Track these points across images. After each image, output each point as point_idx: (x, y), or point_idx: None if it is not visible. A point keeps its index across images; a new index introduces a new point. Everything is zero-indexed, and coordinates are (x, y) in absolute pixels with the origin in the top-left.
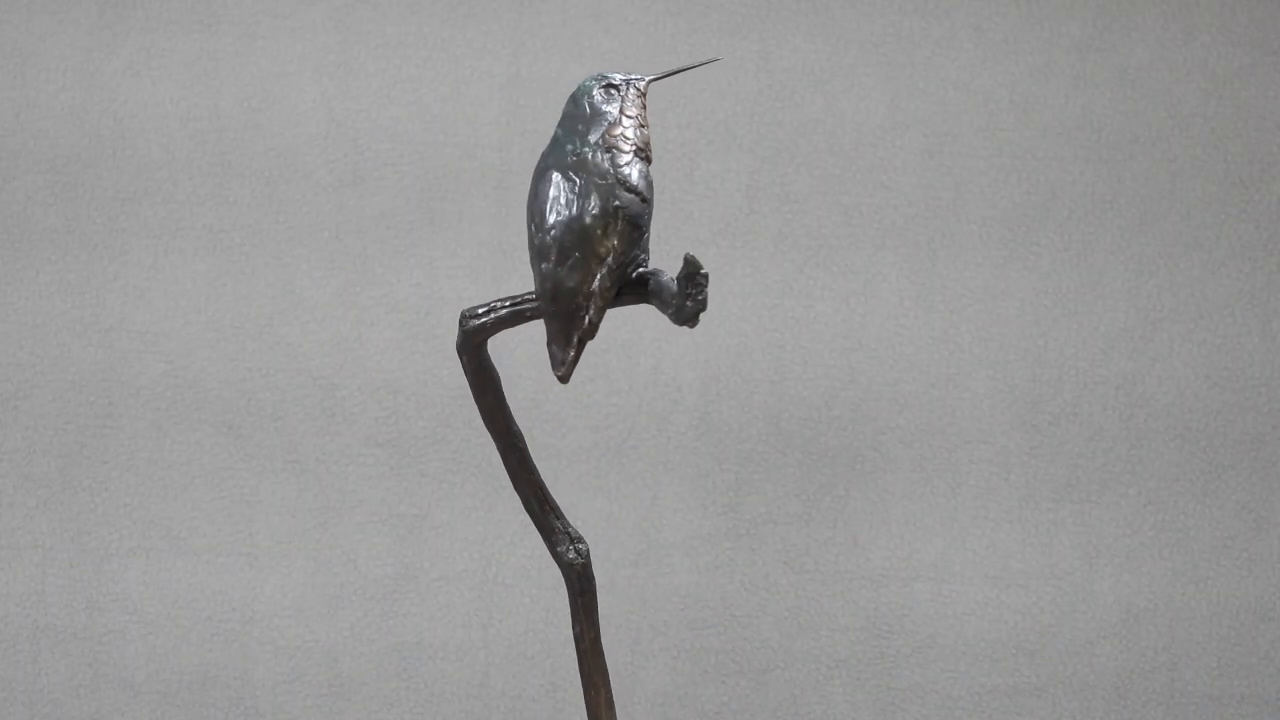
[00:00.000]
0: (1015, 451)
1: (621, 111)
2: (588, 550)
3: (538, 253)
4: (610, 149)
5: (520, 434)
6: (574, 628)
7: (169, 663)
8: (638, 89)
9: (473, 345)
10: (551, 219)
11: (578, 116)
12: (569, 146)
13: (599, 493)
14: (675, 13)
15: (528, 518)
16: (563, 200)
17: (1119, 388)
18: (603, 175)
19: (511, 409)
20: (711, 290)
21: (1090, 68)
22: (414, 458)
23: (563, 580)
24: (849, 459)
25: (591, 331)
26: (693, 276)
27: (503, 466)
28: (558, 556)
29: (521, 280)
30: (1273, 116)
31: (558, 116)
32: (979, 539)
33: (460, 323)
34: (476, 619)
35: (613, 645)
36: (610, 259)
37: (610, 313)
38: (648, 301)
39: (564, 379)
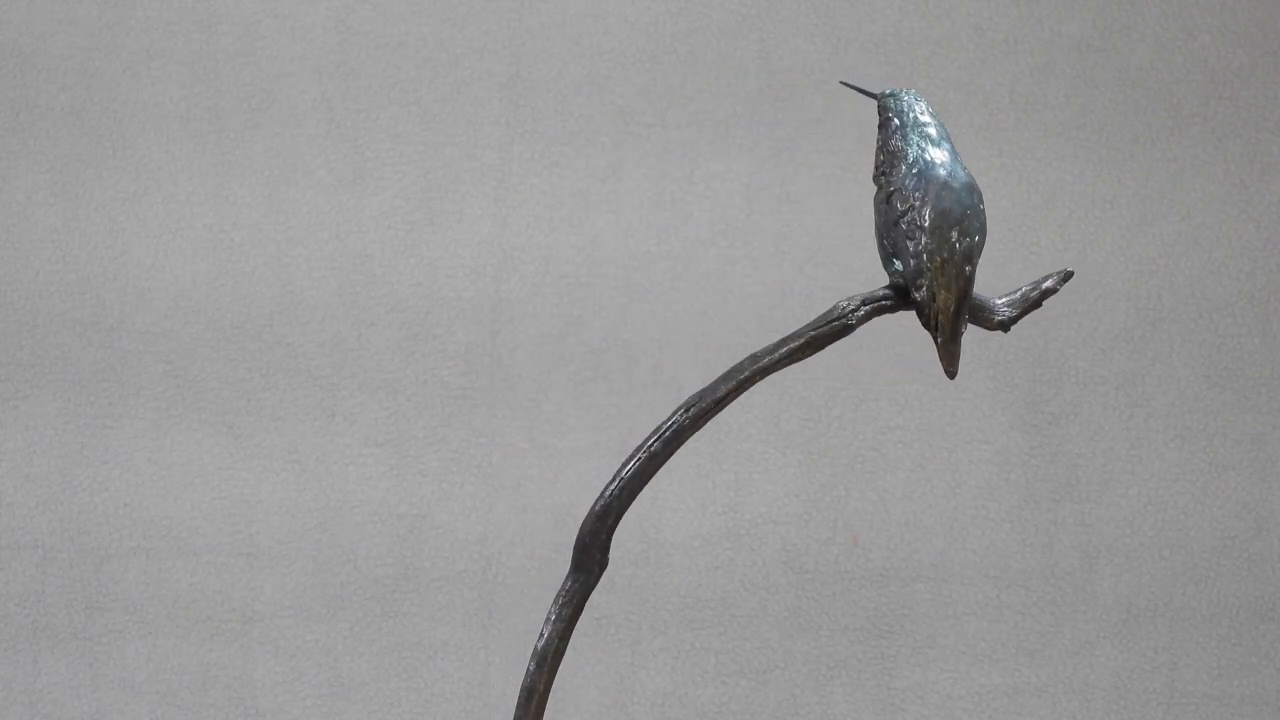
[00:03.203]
0: (1015, 451)
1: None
2: None
3: (964, 256)
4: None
5: None
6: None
7: (169, 663)
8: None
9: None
10: (977, 225)
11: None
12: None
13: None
14: (675, 13)
15: (528, 517)
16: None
17: (1119, 388)
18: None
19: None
20: (712, 290)
21: (1090, 68)
22: (414, 458)
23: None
24: (849, 459)
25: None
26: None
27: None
28: None
29: (521, 280)
30: (1273, 116)
31: (557, 116)
32: (979, 539)
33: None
34: (476, 619)
35: (613, 645)
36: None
37: (610, 313)
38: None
39: (954, 375)
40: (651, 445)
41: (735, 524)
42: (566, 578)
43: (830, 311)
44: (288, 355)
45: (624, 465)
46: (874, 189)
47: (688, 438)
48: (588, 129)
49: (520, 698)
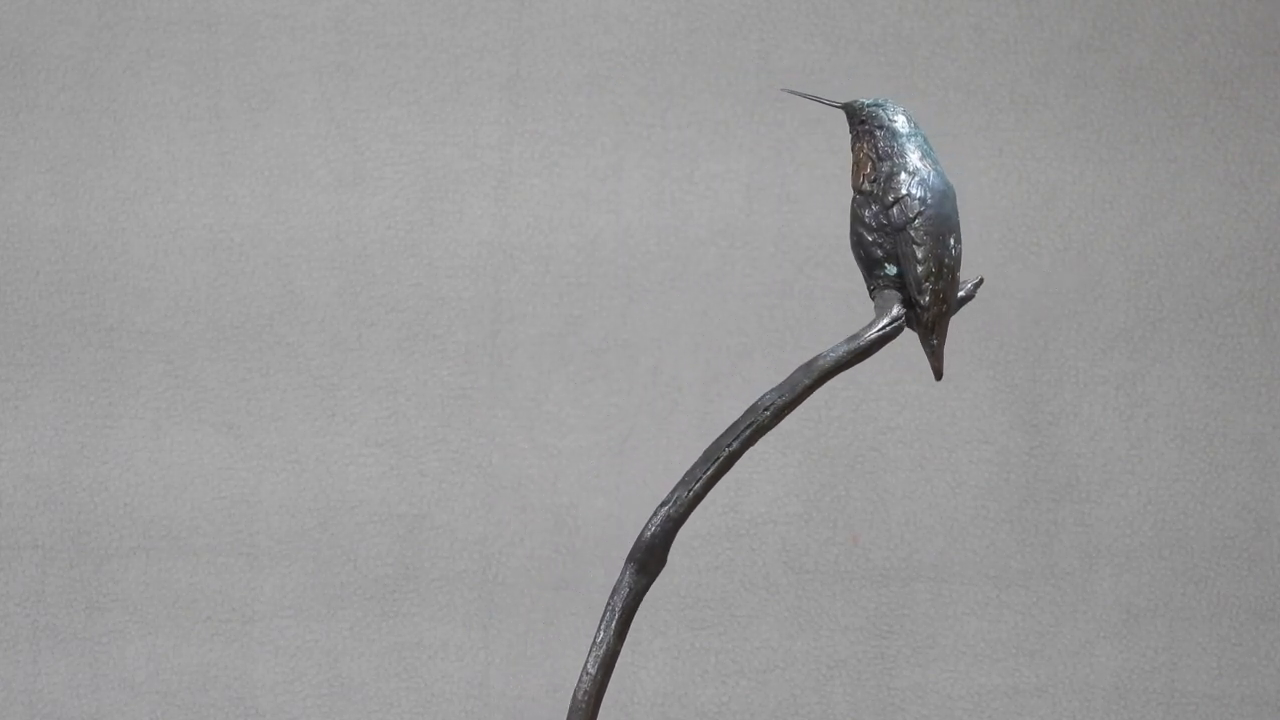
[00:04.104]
0: (1015, 451)
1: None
2: None
3: (956, 261)
4: None
5: None
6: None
7: (169, 663)
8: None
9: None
10: (960, 231)
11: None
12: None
13: (599, 493)
14: (675, 13)
15: (528, 517)
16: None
17: (1119, 388)
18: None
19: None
20: (712, 290)
21: (1090, 68)
22: (414, 458)
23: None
24: (849, 459)
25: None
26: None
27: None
28: None
29: (521, 280)
30: (1273, 116)
31: (557, 116)
32: (979, 539)
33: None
34: (476, 619)
35: None
36: None
37: (610, 313)
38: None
39: (942, 375)
40: (731, 445)
41: (735, 524)
42: (627, 579)
43: (895, 313)
44: (288, 355)
45: (702, 466)
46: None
47: (759, 436)
48: (588, 129)
49: (581, 701)
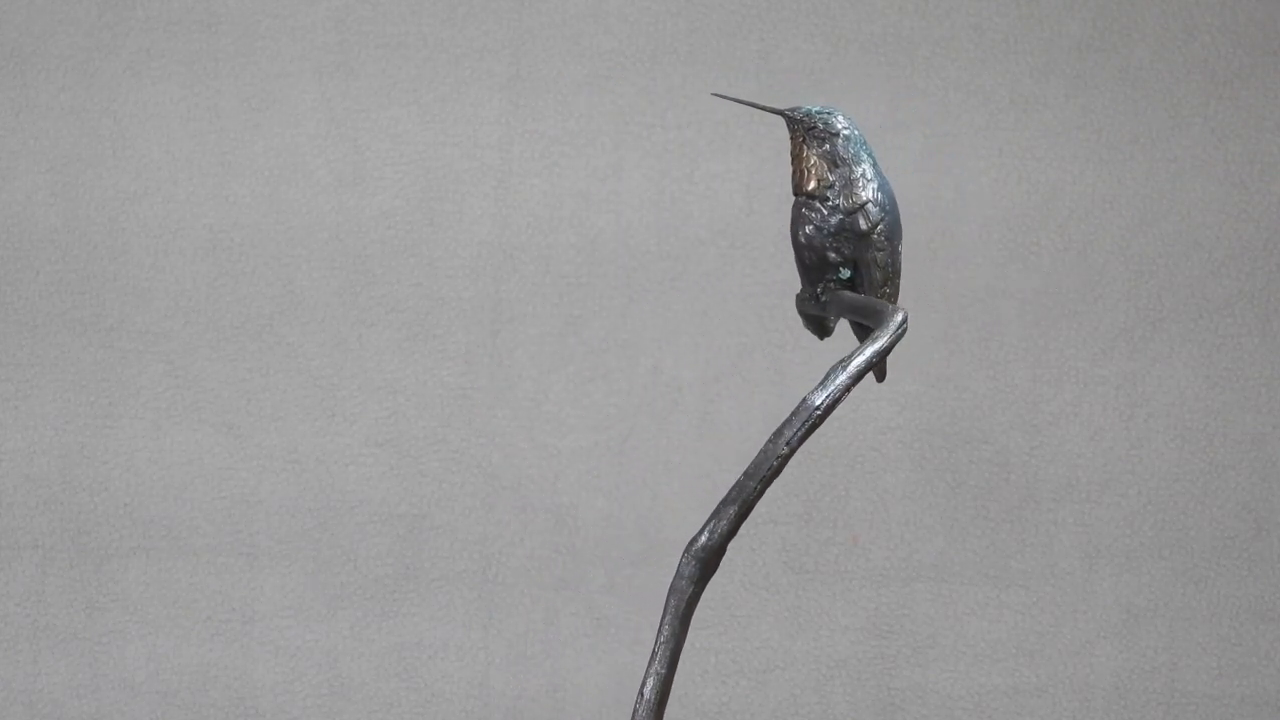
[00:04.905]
0: (1015, 451)
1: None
2: None
3: (900, 269)
4: None
5: None
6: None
7: (169, 663)
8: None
9: None
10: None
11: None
12: None
13: (599, 493)
14: (675, 13)
15: (528, 517)
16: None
17: (1119, 388)
18: None
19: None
20: (712, 290)
21: (1090, 68)
22: (414, 458)
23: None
24: (849, 459)
25: None
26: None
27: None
28: None
29: (521, 280)
30: (1273, 116)
31: (557, 116)
32: (979, 539)
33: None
34: (476, 619)
35: (613, 645)
36: None
37: (610, 313)
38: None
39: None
40: (786, 446)
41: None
42: (688, 583)
43: (899, 319)
44: (288, 355)
45: (758, 465)
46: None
47: (810, 434)
48: (588, 129)
49: (650, 702)
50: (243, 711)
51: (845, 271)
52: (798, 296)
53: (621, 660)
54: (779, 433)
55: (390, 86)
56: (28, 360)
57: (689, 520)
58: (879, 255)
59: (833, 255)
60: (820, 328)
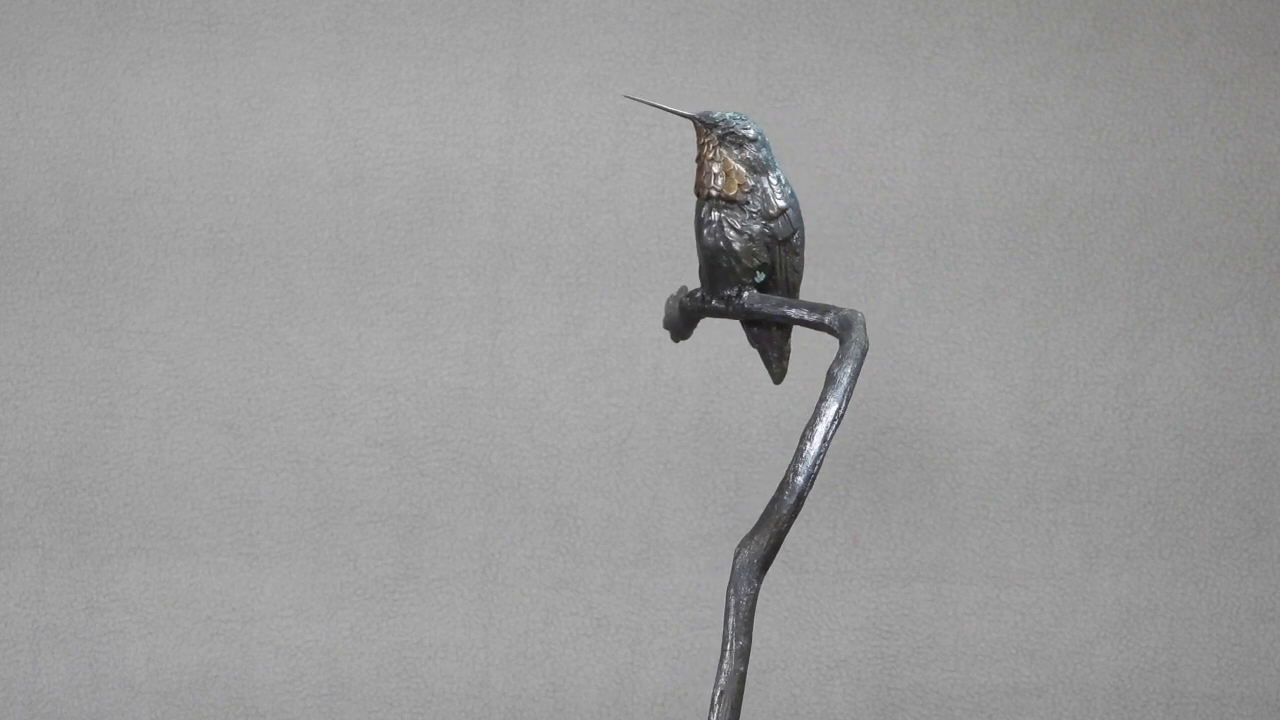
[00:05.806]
0: (1015, 451)
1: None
2: None
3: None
4: None
5: None
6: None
7: (169, 663)
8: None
9: None
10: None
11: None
12: None
13: (599, 493)
14: (675, 13)
15: (528, 517)
16: None
17: (1119, 388)
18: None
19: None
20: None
21: (1090, 68)
22: (414, 458)
23: (562, 580)
24: (849, 459)
25: None
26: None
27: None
28: None
29: (521, 280)
30: (1273, 116)
31: (557, 116)
32: (979, 539)
33: None
34: (476, 619)
35: (613, 645)
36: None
37: (610, 313)
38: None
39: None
40: (829, 436)
41: (735, 524)
42: (754, 584)
43: (861, 315)
44: (288, 355)
45: (799, 462)
46: (874, 189)
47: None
48: (588, 129)
49: (730, 702)
50: (243, 711)
51: (760, 275)
52: (677, 299)
53: (621, 660)
54: (826, 436)
55: (390, 86)
56: (28, 360)
57: (689, 520)
58: (795, 260)
59: (752, 261)
60: (679, 333)
